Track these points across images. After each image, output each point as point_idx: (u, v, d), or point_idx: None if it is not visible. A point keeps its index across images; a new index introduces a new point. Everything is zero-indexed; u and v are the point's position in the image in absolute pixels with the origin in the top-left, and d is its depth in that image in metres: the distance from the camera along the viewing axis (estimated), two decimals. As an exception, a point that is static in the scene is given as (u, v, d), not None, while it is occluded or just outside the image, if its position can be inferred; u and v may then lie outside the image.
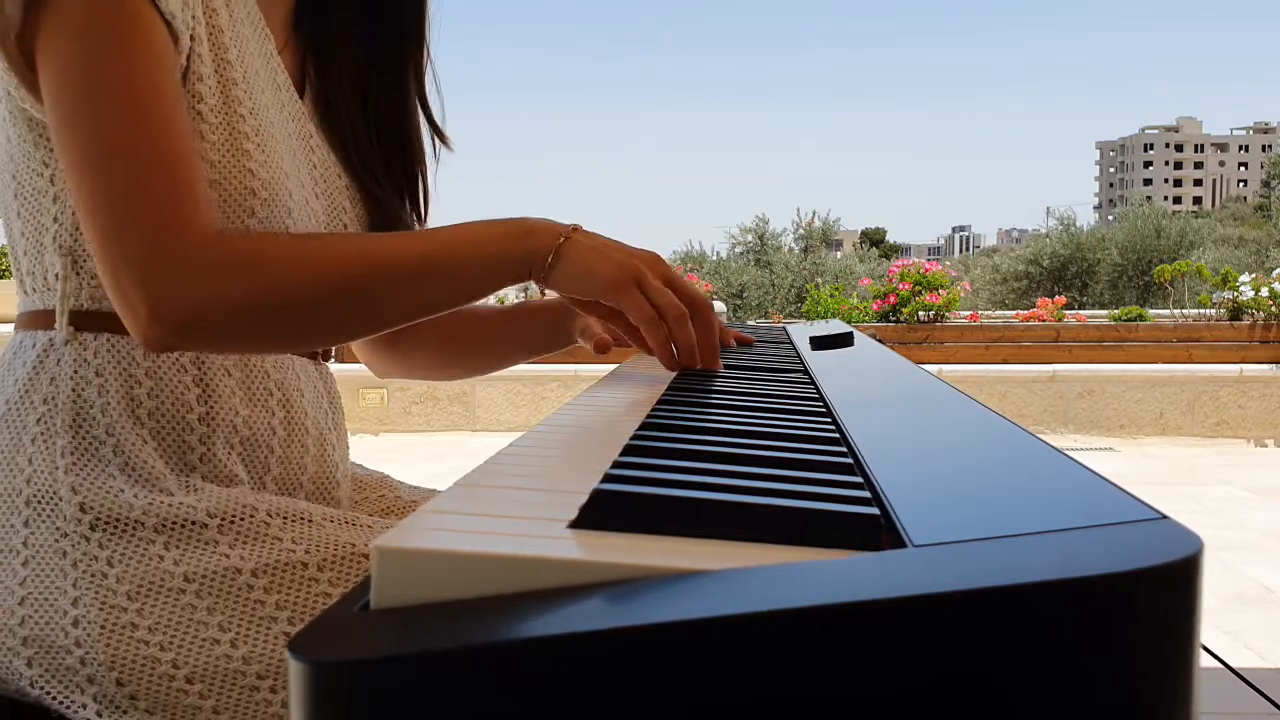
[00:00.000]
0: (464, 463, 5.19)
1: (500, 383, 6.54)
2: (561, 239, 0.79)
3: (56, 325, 0.83)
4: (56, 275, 0.83)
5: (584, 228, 0.82)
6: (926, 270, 7.88)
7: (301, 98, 0.95)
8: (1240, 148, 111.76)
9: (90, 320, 0.82)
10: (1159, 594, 0.31)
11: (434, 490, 1.02)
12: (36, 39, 0.75)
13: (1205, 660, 0.35)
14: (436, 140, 1.06)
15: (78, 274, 0.82)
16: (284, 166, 0.86)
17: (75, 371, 0.82)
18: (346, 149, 0.98)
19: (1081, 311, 10.43)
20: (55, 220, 0.82)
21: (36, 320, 0.85)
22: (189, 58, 0.80)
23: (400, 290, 0.78)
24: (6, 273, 7.98)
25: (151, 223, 0.73)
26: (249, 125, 0.83)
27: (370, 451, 5.76)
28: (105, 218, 0.73)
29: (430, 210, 1.08)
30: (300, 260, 0.76)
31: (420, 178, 1.06)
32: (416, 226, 1.06)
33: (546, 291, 0.83)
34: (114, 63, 0.74)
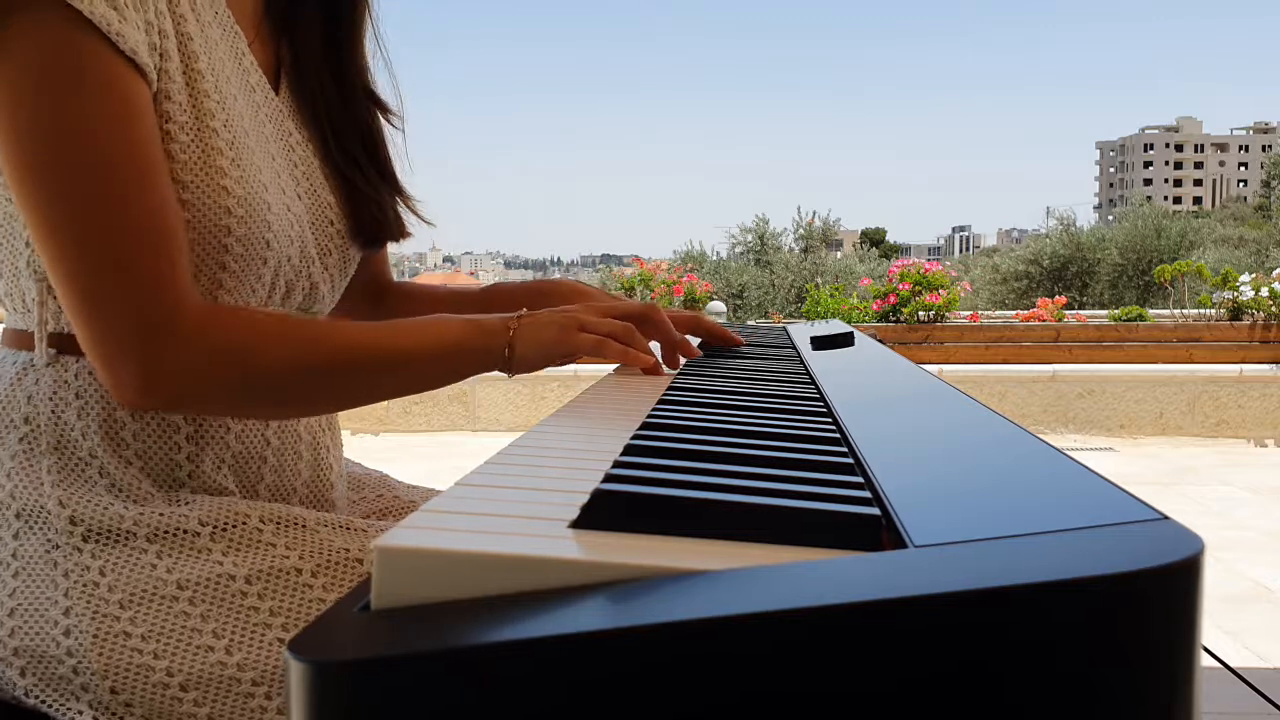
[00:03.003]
0: (464, 463, 5.19)
1: (500, 383, 6.54)
2: (511, 331, 0.85)
3: (37, 349, 0.81)
4: (34, 299, 0.81)
5: (527, 312, 0.88)
6: (926, 270, 7.87)
7: (277, 93, 0.93)
8: (1240, 148, 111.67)
9: (71, 343, 0.80)
10: (1160, 595, 0.31)
11: (434, 490, 1.02)
12: None
13: (1205, 660, 0.35)
14: (393, 115, 1.03)
15: (54, 299, 0.80)
16: (262, 177, 0.84)
17: (54, 393, 0.80)
18: (325, 139, 0.96)
19: (1081, 311, 10.43)
20: (28, 245, 0.79)
21: (18, 340, 0.84)
22: (159, 77, 0.77)
23: (375, 379, 0.83)
24: None
25: (139, 298, 0.72)
26: (222, 139, 0.81)
27: (370, 451, 5.76)
28: (87, 286, 0.72)
29: (408, 191, 1.04)
30: (288, 347, 0.78)
31: (383, 155, 1.02)
32: (404, 213, 1.03)
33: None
34: (78, 120, 0.71)
